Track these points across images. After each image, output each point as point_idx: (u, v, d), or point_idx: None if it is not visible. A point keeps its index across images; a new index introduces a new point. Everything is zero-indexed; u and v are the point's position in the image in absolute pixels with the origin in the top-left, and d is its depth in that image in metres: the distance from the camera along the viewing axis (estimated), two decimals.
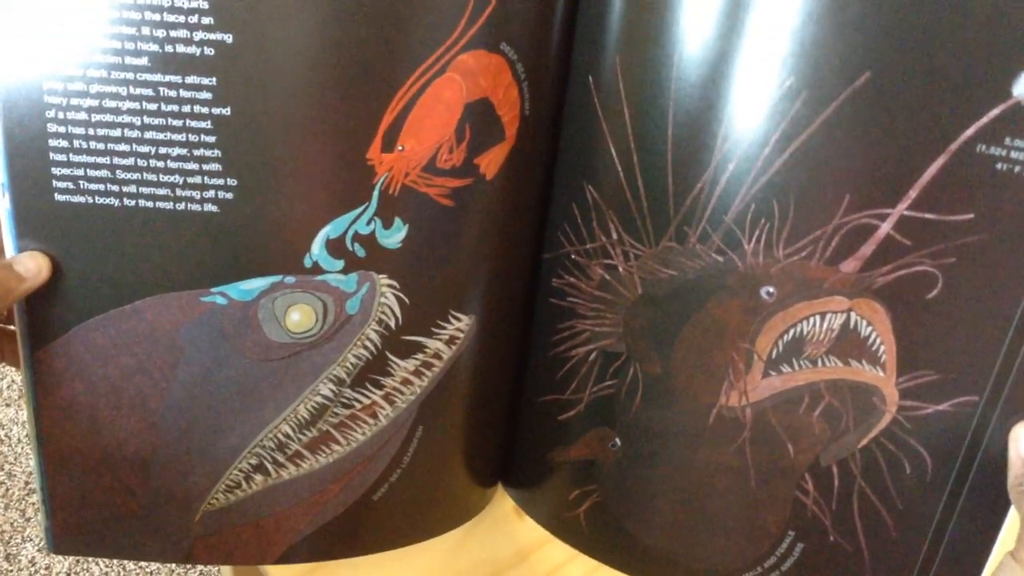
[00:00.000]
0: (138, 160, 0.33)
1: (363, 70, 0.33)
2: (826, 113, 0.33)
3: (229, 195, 0.34)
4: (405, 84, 0.34)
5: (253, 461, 0.39)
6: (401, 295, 0.38)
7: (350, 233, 0.36)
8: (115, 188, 0.34)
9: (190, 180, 0.34)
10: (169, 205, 0.34)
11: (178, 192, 0.34)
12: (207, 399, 0.37)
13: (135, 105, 0.32)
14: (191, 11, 0.31)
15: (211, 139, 0.33)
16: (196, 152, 0.33)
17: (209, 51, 0.32)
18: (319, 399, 0.38)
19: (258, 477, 0.39)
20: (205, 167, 0.34)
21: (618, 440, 0.42)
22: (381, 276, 0.37)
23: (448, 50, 0.34)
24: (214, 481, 0.39)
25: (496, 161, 0.37)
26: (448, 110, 0.35)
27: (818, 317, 0.36)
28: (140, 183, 0.34)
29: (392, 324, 0.38)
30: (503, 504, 0.49)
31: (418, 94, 0.34)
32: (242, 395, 0.37)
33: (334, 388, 0.38)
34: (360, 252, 0.36)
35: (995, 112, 0.32)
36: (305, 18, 0.32)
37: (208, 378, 0.37)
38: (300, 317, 0.37)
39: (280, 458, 0.39)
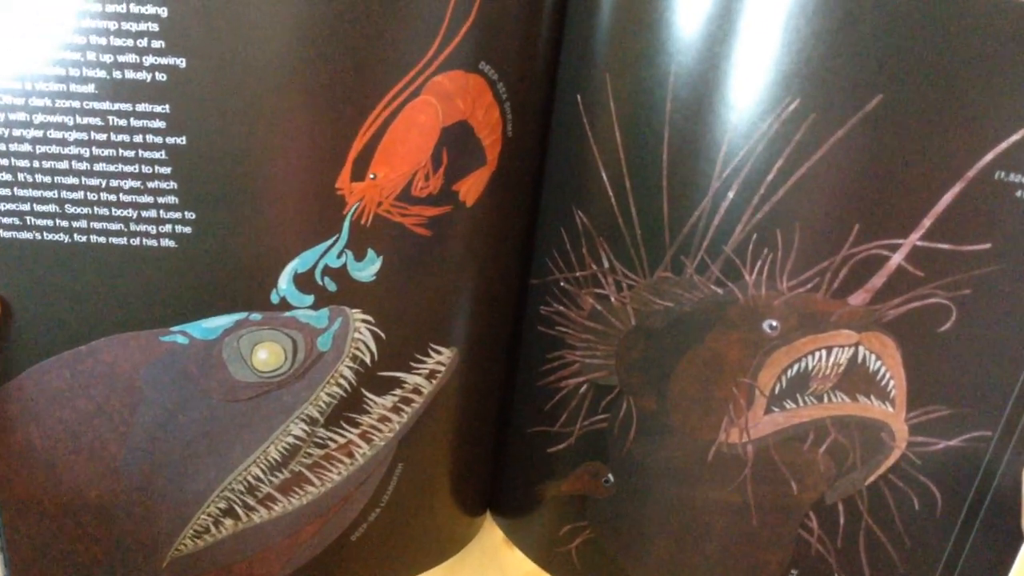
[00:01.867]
0: (88, 193, 0.31)
1: (329, 94, 0.30)
2: (835, 138, 0.30)
3: (187, 229, 0.32)
4: (376, 109, 0.31)
5: (222, 505, 0.37)
6: (376, 330, 0.35)
7: (320, 267, 0.33)
8: (64, 223, 0.31)
9: (145, 214, 0.31)
10: (123, 240, 0.32)
11: (132, 227, 0.31)
12: (171, 442, 0.35)
13: (83, 136, 0.30)
14: (140, 34, 0.28)
15: (166, 170, 0.31)
16: (150, 184, 0.31)
17: (161, 77, 0.29)
18: (291, 439, 0.36)
19: (228, 521, 0.37)
20: (161, 200, 0.31)
21: (611, 476, 0.39)
22: (355, 311, 0.35)
23: (422, 72, 0.31)
24: (181, 526, 0.37)
25: (476, 187, 0.35)
26: (423, 135, 0.32)
27: (824, 351, 0.34)
28: (91, 218, 0.31)
29: (367, 360, 0.36)
30: (492, 534, 0.47)
31: (390, 119, 0.31)
32: (208, 437, 0.35)
33: (307, 428, 0.36)
34: (331, 286, 0.34)
35: (1015, 137, 0.29)
36: (264, 41, 0.29)
37: (171, 420, 0.35)
38: (268, 356, 0.34)
39: (251, 501, 0.37)
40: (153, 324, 0.33)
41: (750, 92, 0.31)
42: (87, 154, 0.30)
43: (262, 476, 0.36)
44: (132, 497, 0.36)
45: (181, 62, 0.29)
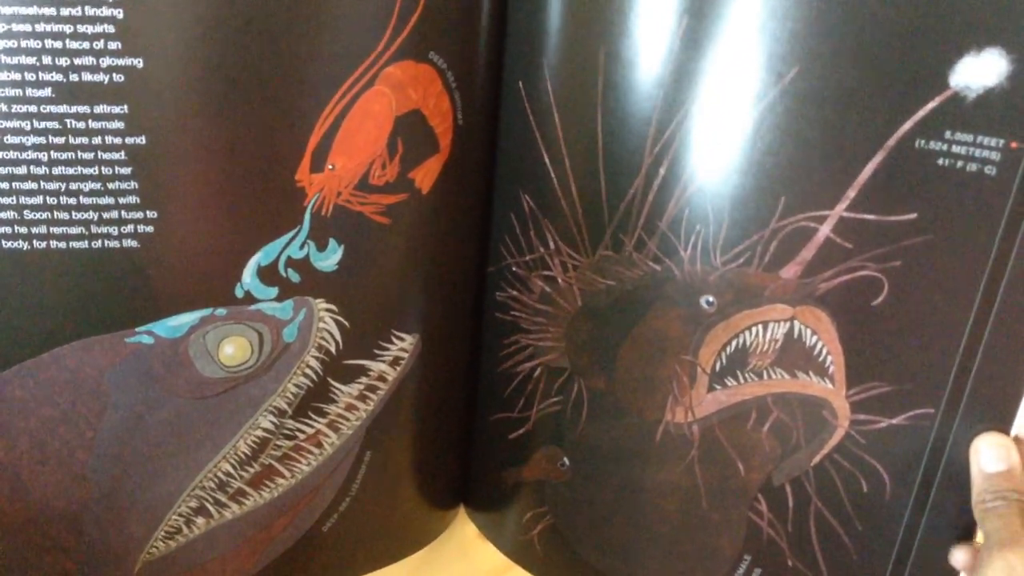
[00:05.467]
0: (47, 198, 0.31)
1: (285, 88, 0.32)
2: (755, 111, 0.32)
3: (149, 228, 0.32)
4: (331, 100, 0.32)
5: (193, 504, 0.37)
6: (340, 319, 0.36)
7: (283, 258, 0.34)
8: (23, 230, 0.31)
9: (106, 215, 0.32)
10: (84, 244, 0.32)
11: (93, 229, 0.32)
12: (139, 445, 0.35)
13: (40, 140, 0.30)
14: (96, 36, 0.29)
15: (126, 171, 0.31)
16: (111, 185, 0.31)
17: (119, 77, 0.30)
18: (260, 432, 0.37)
19: (199, 520, 0.37)
20: (122, 200, 0.31)
21: (567, 459, 0.40)
22: (318, 301, 0.36)
23: (374, 62, 0.32)
24: (152, 529, 0.37)
25: (431, 174, 0.36)
26: (378, 124, 0.34)
27: (761, 327, 0.34)
28: (51, 223, 0.31)
29: (333, 349, 0.37)
30: (465, 528, 0.48)
31: (346, 110, 0.33)
32: (177, 436, 0.35)
33: (275, 420, 0.37)
34: (294, 277, 0.35)
35: (932, 104, 0.30)
36: (219, 37, 0.30)
37: (139, 423, 0.35)
38: (234, 350, 0.35)
39: (222, 498, 0.37)
40: (117, 326, 0.33)
41: (675, 71, 0.32)
42: (45, 158, 0.30)
43: (232, 471, 0.37)
44: (101, 504, 0.36)
45: (138, 62, 0.30)
